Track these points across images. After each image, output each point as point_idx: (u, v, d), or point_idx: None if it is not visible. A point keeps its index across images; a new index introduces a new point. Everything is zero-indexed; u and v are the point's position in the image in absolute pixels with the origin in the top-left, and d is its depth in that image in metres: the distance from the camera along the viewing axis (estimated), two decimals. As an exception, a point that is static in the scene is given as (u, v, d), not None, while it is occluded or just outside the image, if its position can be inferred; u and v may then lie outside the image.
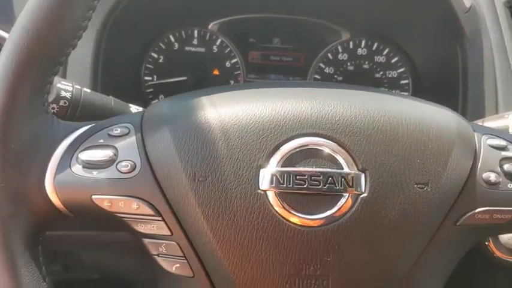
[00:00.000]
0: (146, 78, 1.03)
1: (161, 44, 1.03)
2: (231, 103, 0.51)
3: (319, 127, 0.49)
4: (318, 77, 1.04)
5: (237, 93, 0.54)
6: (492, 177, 0.52)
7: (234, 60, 1.03)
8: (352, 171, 0.49)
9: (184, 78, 1.01)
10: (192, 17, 1.02)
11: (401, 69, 1.04)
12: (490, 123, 0.69)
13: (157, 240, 0.51)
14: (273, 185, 0.48)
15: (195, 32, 1.03)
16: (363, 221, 0.48)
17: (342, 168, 0.49)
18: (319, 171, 0.48)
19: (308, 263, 0.49)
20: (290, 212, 0.48)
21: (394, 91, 1.04)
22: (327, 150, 0.49)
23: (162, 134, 0.50)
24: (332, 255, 0.48)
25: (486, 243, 0.77)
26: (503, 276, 0.83)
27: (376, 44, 1.04)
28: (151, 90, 1.03)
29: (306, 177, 0.48)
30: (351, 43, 1.04)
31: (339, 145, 0.49)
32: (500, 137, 0.55)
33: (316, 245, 0.48)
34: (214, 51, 1.03)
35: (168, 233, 0.50)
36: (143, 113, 0.54)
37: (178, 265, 0.51)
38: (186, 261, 0.51)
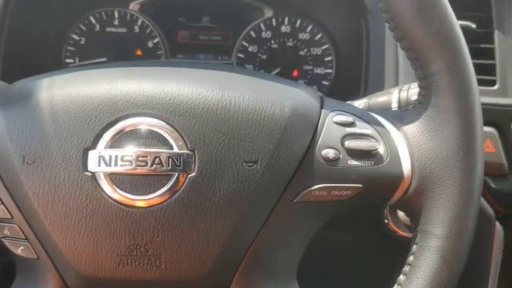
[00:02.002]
0: (68, 60, 1.02)
1: (81, 26, 1.02)
2: (69, 84, 0.51)
3: (149, 107, 0.49)
4: (242, 56, 1.03)
5: (82, 73, 0.54)
6: (331, 153, 0.51)
7: (156, 40, 1.03)
8: (181, 151, 0.48)
9: (104, 59, 1.01)
10: (112, -3, 1.01)
11: (325, 46, 1.02)
12: (376, 99, 0.69)
13: (1, 223, 0.51)
14: (100, 167, 0.48)
15: (116, 12, 1.02)
16: (192, 200, 0.48)
17: (172, 148, 0.49)
18: (146, 152, 0.48)
19: (139, 243, 0.49)
20: (119, 193, 0.48)
21: (319, 68, 1.03)
22: (156, 130, 0.49)
23: None
24: (162, 234, 0.48)
25: (386, 220, 0.77)
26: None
27: (299, 21, 1.02)
28: (73, 72, 1.02)
29: (134, 157, 0.48)
30: (274, 20, 1.03)
31: (169, 124, 0.49)
32: (350, 114, 0.54)
33: (146, 225, 0.48)
34: (136, 32, 1.03)
35: (8, 215, 0.50)
36: None
37: (22, 247, 0.51)
38: (28, 243, 0.51)
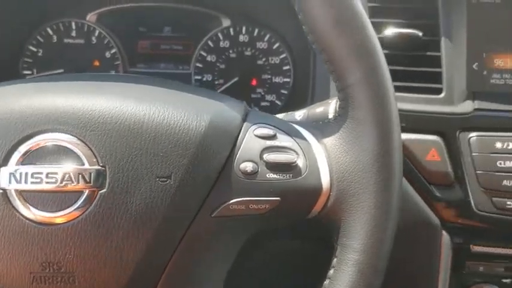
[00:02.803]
0: (25, 72, 1.02)
1: (39, 37, 1.02)
2: None
3: (61, 123, 0.49)
4: (200, 65, 1.03)
5: (8, 88, 0.54)
6: (249, 167, 0.51)
7: (113, 51, 1.02)
8: (92, 167, 0.48)
9: (61, 70, 1.00)
10: (68, 8, 1.01)
11: (283, 55, 1.02)
12: (314, 110, 0.68)
13: None
14: (11, 184, 0.48)
15: (73, 23, 1.02)
16: (103, 217, 0.48)
17: (83, 164, 0.48)
18: (56, 168, 0.48)
19: (51, 261, 0.48)
20: (31, 211, 0.48)
21: (277, 77, 1.03)
22: (68, 146, 0.48)
23: None
24: (74, 252, 0.48)
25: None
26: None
27: (257, 30, 1.02)
28: (31, 84, 1.02)
29: (44, 174, 0.48)
30: (232, 30, 1.03)
31: (80, 140, 0.48)
32: (272, 126, 0.54)
33: (58, 242, 0.48)
34: (94, 43, 1.02)
35: None
36: None
37: None
38: None
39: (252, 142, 0.52)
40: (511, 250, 0.77)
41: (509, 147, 0.75)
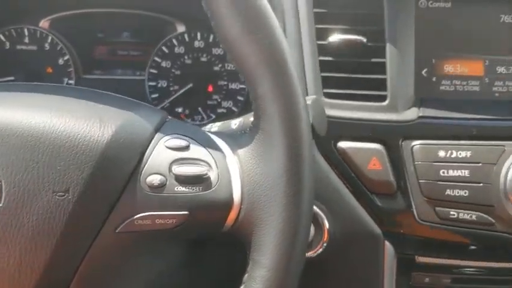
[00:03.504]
0: (-23, 79, 1.01)
1: (-9, 44, 1.00)
2: None
3: None
4: (155, 71, 1.02)
5: None
6: (156, 180, 0.49)
7: (66, 57, 1.01)
8: None
9: (12, 78, 0.99)
10: (21, 14, 1.00)
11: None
12: (248, 118, 0.67)
13: None
14: None
15: (25, 30, 1.00)
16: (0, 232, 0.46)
17: None
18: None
19: None
20: None
21: (233, 84, 1.01)
22: None
23: None
24: None
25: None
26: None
27: (212, 36, 1.01)
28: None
29: None
30: (186, 36, 1.01)
31: None
32: (186, 137, 0.52)
33: None
34: (47, 49, 1.01)
35: None
36: None
37: None
38: None
39: (162, 154, 0.50)
40: (456, 261, 0.76)
41: (452, 156, 0.73)
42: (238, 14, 0.49)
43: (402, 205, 0.73)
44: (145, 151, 0.50)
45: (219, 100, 1.02)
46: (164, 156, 0.50)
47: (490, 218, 0.72)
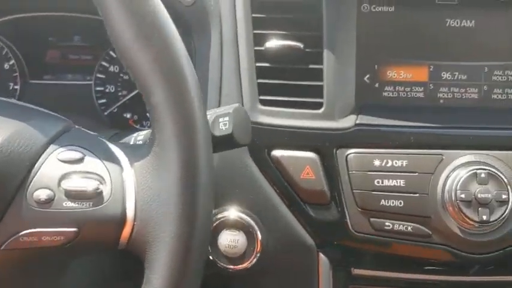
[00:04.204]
0: None
1: None
2: None
3: None
4: (102, 76, 1.00)
5: None
6: (43, 195, 0.47)
7: (11, 62, 0.99)
8: None
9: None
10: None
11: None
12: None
13: None
14: None
15: (-31, 34, 0.98)
16: None
17: None
18: None
19: None
20: None
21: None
22: None
23: None
24: None
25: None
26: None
27: (161, 40, 0.99)
28: None
29: None
30: (135, 40, 0.99)
31: None
32: (83, 149, 0.50)
33: None
34: (-8, 54, 0.99)
35: None
36: None
37: None
38: None
39: (52, 167, 0.48)
40: (393, 273, 0.73)
41: (387, 165, 0.71)
42: (130, 19, 0.46)
43: (336, 216, 0.71)
44: (35, 164, 0.48)
45: (169, 105, 0.99)
46: (54, 170, 0.48)
47: (426, 230, 0.70)
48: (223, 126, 0.60)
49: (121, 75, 0.99)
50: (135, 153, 0.51)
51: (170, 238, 0.46)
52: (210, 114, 0.62)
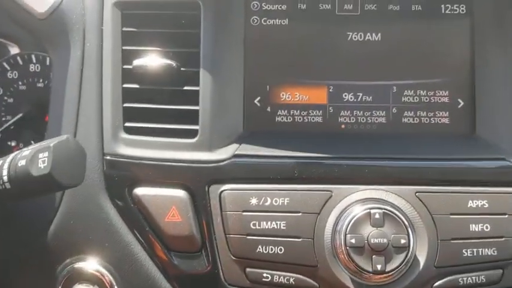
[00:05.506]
0: None
1: None
2: None
3: None
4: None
5: None
6: None
7: None
8: None
9: None
10: None
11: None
12: None
13: None
14: None
15: None
16: None
17: None
18: None
19: None
20: None
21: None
22: None
23: None
24: None
25: None
26: None
27: (49, 59, 0.88)
28: None
29: None
30: (19, 58, 0.89)
31: None
32: None
33: None
34: None
35: None
36: None
37: None
38: None
39: None
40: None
41: (266, 204, 0.60)
42: None
43: (207, 266, 0.60)
44: None
45: (59, 131, 0.89)
46: None
47: (312, 282, 0.59)
48: (42, 164, 0.49)
49: (5, 98, 0.89)
50: None
51: None
52: (31, 149, 0.51)
